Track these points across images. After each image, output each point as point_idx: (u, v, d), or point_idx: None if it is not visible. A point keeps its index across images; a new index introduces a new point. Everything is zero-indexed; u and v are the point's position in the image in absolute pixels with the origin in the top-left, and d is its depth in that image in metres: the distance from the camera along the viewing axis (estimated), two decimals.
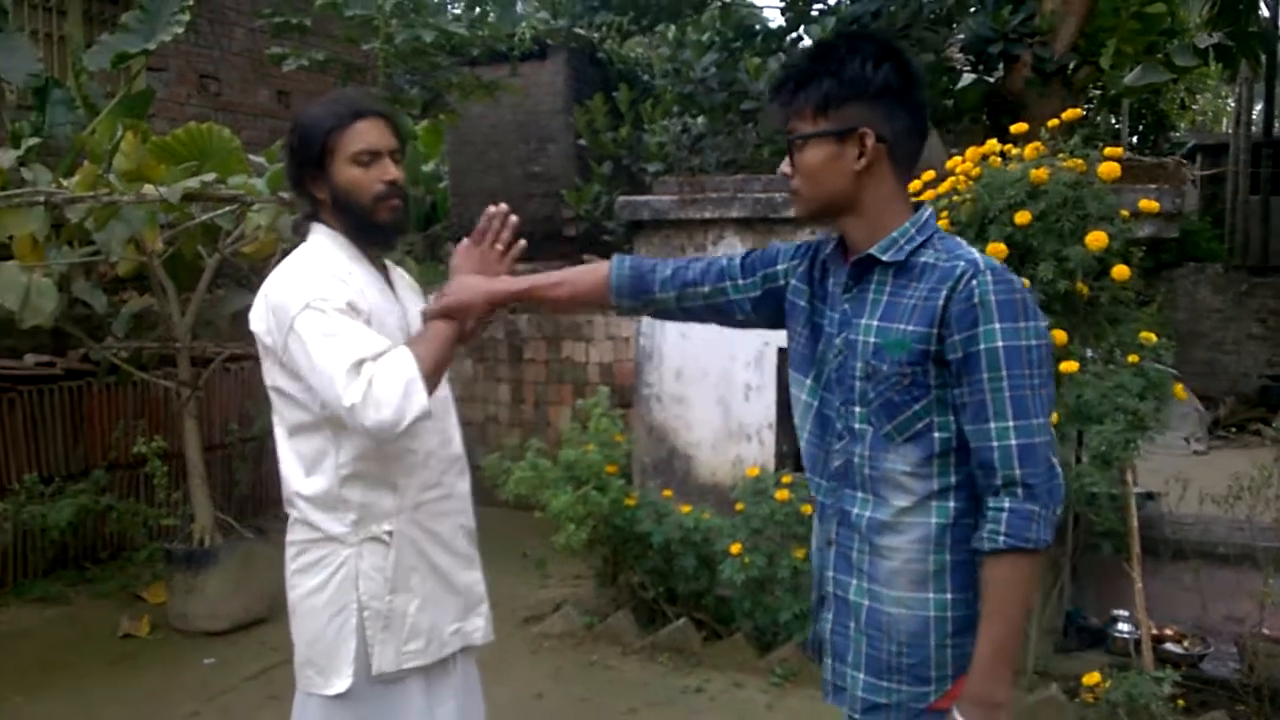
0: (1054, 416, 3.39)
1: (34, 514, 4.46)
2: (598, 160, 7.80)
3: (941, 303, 1.49)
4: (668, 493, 4.35)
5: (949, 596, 1.54)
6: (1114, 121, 14.56)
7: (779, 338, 4.26)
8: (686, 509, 4.16)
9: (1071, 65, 6.10)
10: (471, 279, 1.88)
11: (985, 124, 6.35)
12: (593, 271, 1.84)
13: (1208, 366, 11.44)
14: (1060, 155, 3.72)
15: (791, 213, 4.14)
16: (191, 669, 3.97)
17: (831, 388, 1.60)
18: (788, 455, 4.32)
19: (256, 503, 5.92)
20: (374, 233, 1.96)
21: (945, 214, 3.82)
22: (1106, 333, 3.75)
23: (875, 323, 1.54)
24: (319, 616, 1.93)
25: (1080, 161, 3.64)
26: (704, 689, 3.79)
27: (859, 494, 1.57)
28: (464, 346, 1.82)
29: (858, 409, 1.55)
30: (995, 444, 1.47)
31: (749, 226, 4.36)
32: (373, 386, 1.72)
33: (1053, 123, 3.85)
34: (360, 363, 1.74)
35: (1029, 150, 3.78)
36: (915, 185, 3.95)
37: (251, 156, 4.56)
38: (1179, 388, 3.69)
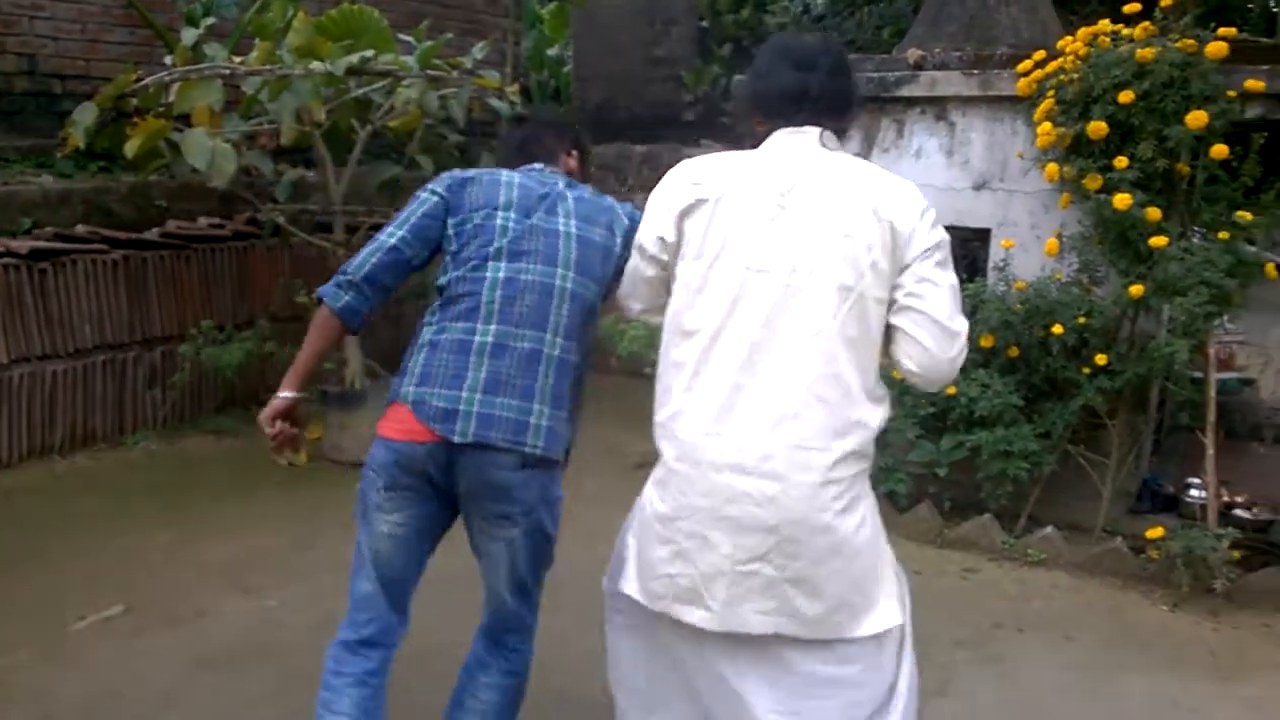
0: (1138, 289, 3.61)
1: (210, 355, 5.10)
2: (719, 43, 7.94)
3: None
4: None
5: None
6: (1271, 3, 13.63)
7: None
8: None
9: None
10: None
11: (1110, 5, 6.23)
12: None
13: None
14: (1171, 35, 3.78)
15: (902, 91, 4.32)
16: (346, 490, 4.49)
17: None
18: None
19: (395, 358, 6.51)
20: None
21: (1052, 93, 3.94)
22: (1202, 211, 3.85)
23: None
24: None
25: (1191, 41, 3.70)
26: None
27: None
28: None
29: None
30: None
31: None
32: None
33: (1165, 2, 3.89)
34: None
35: (1138, 30, 3.85)
36: (1025, 65, 4.06)
37: (400, 35, 4.95)
38: (1270, 267, 3.80)
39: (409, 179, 5.07)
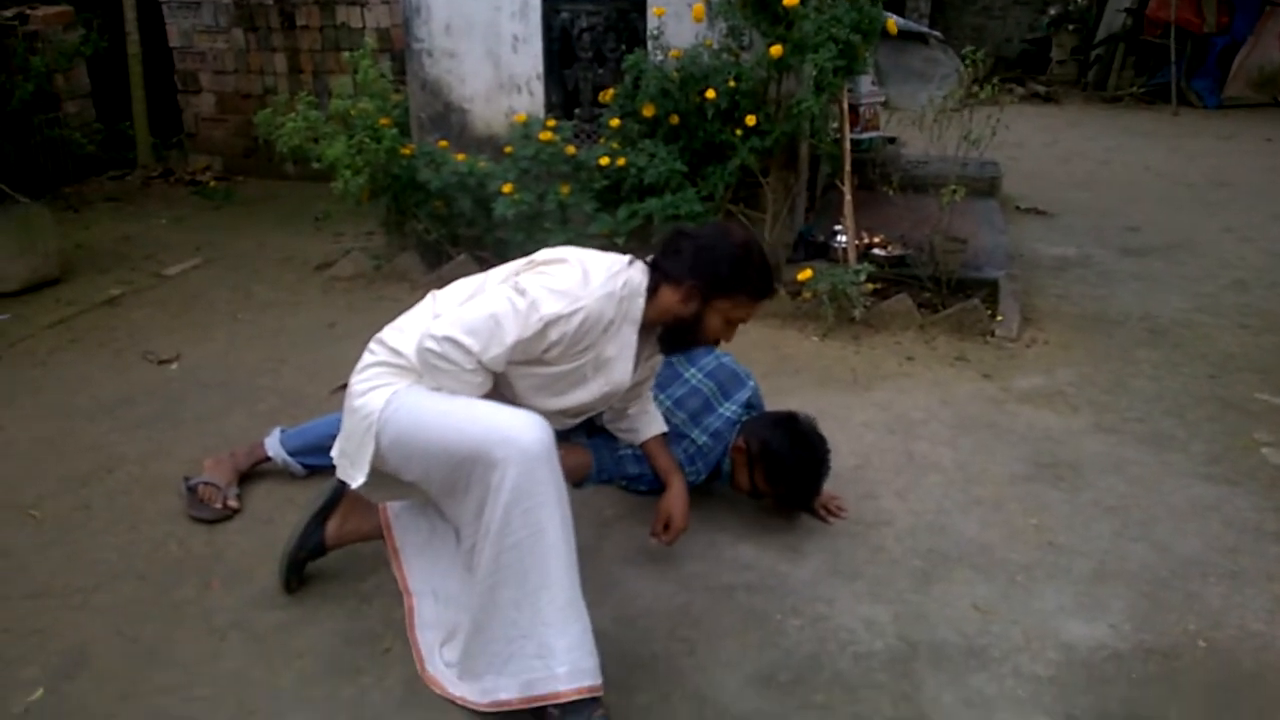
0: (778, 49, 3.83)
1: None
2: None
3: None
4: (444, 143, 4.58)
5: None
6: None
7: None
8: (462, 157, 4.43)
9: None
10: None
11: None
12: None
13: (976, 32, 12.06)
14: None
15: None
16: None
17: None
18: (555, 104, 4.58)
19: (28, 174, 5.71)
20: (672, 349, 2.34)
21: None
22: None
23: None
24: None
25: None
26: None
27: None
28: None
29: None
30: None
31: None
32: None
33: None
34: None
35: None
36: None
37: None
38: (891, 23, 4.14)
39: None
